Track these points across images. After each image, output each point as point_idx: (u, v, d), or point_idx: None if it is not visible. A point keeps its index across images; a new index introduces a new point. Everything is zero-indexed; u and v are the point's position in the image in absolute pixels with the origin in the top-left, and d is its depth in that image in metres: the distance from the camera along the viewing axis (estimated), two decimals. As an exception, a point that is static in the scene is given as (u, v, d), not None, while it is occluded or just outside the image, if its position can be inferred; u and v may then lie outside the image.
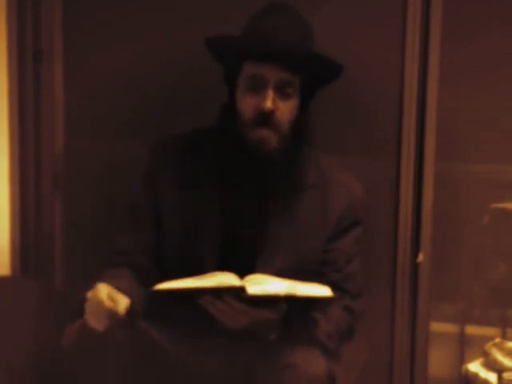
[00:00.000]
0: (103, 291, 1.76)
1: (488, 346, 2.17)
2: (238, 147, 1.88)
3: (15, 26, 2.38)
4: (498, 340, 2.18)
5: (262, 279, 1.78)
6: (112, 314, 1.74)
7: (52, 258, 2.46)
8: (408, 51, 2.21)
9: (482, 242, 2.35)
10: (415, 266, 2.28)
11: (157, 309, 1.91)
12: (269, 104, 1.83)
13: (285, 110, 1.87)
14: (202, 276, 1.79)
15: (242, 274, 1.79)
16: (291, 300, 1.76)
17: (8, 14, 2.37)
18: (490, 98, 2.26)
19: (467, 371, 2.19)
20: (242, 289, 1.73)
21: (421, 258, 2.27)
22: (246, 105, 1.87)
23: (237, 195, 1.91)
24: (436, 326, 2.37)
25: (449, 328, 2.44)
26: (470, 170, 2.34)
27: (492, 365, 2.14)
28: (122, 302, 1.76)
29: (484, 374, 2.15)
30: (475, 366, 2.18)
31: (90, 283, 1.86)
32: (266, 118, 1.85)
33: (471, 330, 2.42)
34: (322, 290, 1.77)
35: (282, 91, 1.86)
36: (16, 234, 2.45)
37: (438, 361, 2.38)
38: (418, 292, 2.28)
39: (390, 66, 2.23)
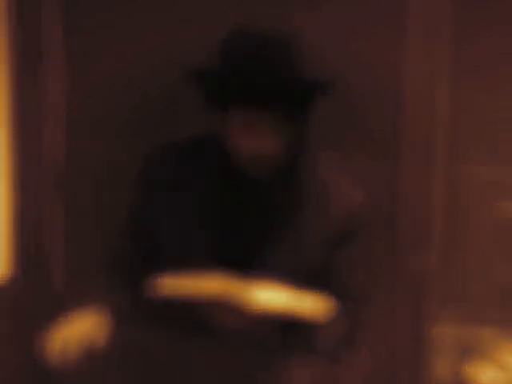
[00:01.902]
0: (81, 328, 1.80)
1: (491, 349, 2.17)
2: (235, 171, 1.86)
3: (16, 25, 2.39)
4: (502, 342, 2.18)
5: (262, 287, 1.78)
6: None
7: (52, 258, 2.47)
8: (409, 51, 2.22)
9: (486, 244, 2.35)
10: (417, 269, 2.28)
11: (155, 310, 1.91)
12: (264, 149, 1.79)
13: (279, 143, 1.81)
14: (202, 279, 1.79)
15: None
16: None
17: (8, 14, 2.38)
18: (492, 99, 2.26)
19: (470, 374, 2.19)
20: (242, 293, 1.73)
21: (423, 260, 2.27)
22: (240, 146, 1.80)
23: (234, 202, 1.92)
24: (439, 329, 2.37)
25: (451, 330, 2.43)
26: (474, 171, 2.34)
27: (495, 367, 2.14)
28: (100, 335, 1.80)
29: (487, 376, 2.15)
30: (479, 369, 2.18)
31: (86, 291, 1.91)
32: (262, 159, 1.81)
33: (474, 332, 2.41)
34: (323, 303, 1.76)
35: (275, 129, 1.78)
36: (16, 234, 2.46)
37: (440, 363, 2.38)
38: (421, 295, 2.28)
39: (390, 66, 2.23)
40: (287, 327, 1.82)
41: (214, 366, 1.89)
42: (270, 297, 1.75)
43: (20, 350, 2.21)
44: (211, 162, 1.92)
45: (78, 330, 1.80)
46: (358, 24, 2.22)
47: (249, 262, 1.88)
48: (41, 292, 2.36)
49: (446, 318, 2.41)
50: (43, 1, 2.40)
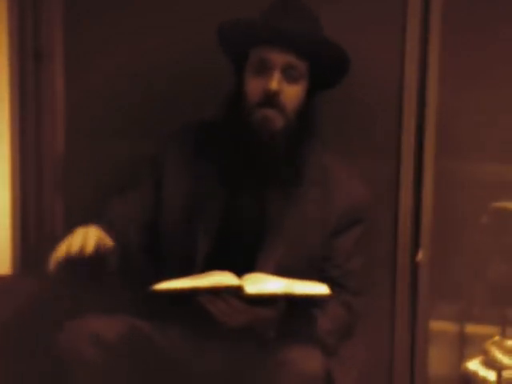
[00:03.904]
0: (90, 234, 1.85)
1: (487, 345, 2.17)
2: (243, 129, 1.90)
3: (16, 25, 2.38)
4: (497, 338, 2.18)
5: (259, 278, 1.79)
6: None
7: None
8: (408, 51, 2.22)
9: (482, 241, 2.35)
10: (415, 265, 2.28)
11: (156, 309, 1.92)
12: (274, 84, 1.88)
13: (290, 92, 1.91)
14: (200, 275, 1.80)
15: (241, 268, 1.81)
16: (289, 298, 1.76)
17: (9, 14, 2.37)
18: (490, 98, 2.27)
19: (466, 369, 2.19)
20: (240, 288, 1.74)
21: (420, 256, 2.28)
22: (253, 87, 1.92)
23: (239, 185, 1.93)
24: (436, 325, 2.38)
25: (448, 326, 2.44)
26: (469, 169, 2.35)
27: (491, 363, 2.14)
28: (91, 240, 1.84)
29: (483, 372, 2.14)
30: (474, 365, 2.18)
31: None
32: (271, 99, 1.89)
33: (471, 328, 2.42)
34: (320, 288, 1.77)
35: (288, 74, 1.91)
36: (17, 233, 2.45)
37: (437, 359, 2.39)
38: (418, 291, 2.29)
39: (389, 66, 2.24)
40: (286, 319, 1.83)
41: (213, 362, 1.90)
42: (266, 280, 1.78)
43: (20, 349, 2.21)
44: (217, 140, 1.96)
45: (83, 237, 1.85)
46: (357, 24, 2.23)
47: (250, 244, 1.91)
48: (41, 291, 2.35)
49: (443, 314, 2.42)
50: (43, 1, 2.39)
